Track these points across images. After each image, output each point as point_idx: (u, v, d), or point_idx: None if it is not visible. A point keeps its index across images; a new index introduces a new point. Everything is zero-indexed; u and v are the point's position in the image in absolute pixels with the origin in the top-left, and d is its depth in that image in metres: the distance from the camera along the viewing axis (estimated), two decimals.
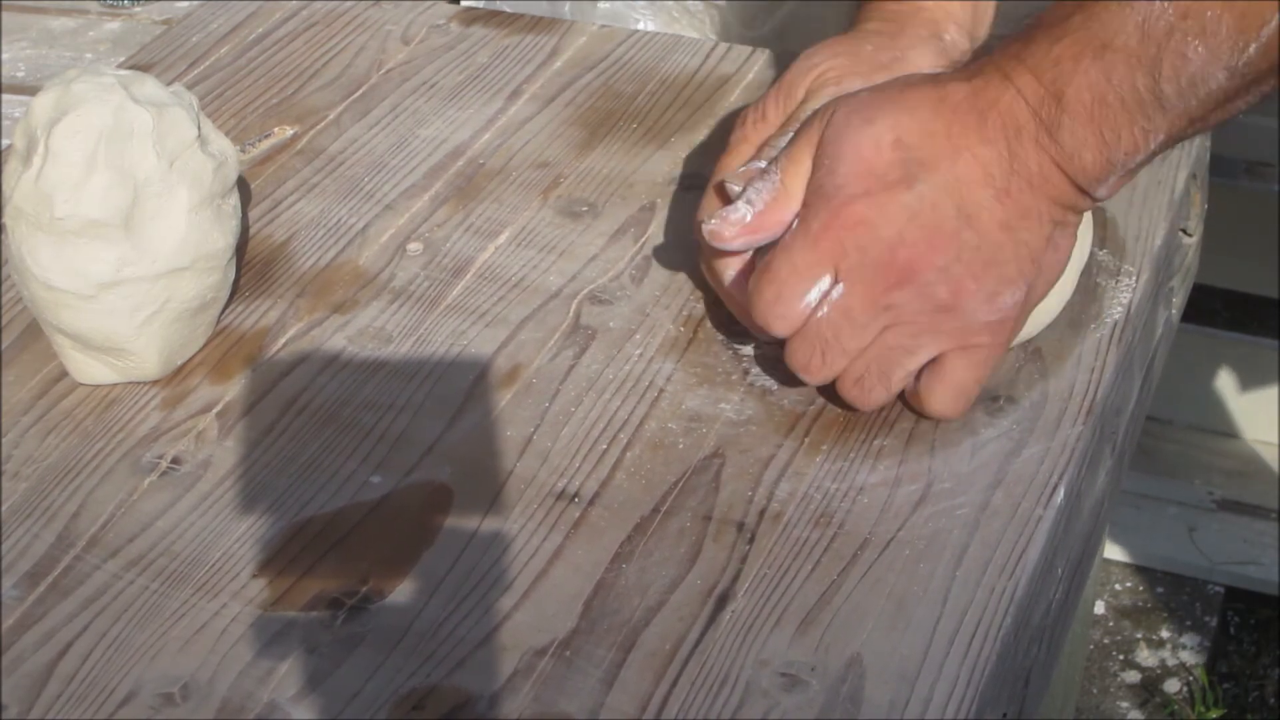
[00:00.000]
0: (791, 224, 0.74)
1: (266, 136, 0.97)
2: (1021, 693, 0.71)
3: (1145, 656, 1.82)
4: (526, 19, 1.08)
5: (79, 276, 0.76)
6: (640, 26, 1.21)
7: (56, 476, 0.74)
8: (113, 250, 0.76)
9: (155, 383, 0.80)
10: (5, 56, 1.40)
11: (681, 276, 0.86)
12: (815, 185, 0.74)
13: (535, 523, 0.72)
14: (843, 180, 0.72)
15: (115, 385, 0.80)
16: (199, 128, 0.78)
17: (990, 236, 0.72)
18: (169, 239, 0.77)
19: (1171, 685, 1.79)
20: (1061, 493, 0.73)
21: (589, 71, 1.03)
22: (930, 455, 0.75)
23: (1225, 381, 1.96)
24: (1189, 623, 1.85)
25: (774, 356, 0.80)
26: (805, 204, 0.74)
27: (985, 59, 0.73)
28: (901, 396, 0.77)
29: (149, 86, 0.78)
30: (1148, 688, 1.79)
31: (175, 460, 0.75)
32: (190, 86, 1.00)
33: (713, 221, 0.76)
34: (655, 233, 0.89)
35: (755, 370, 0.80)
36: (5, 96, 1.33)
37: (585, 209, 0.91)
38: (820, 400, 0.78)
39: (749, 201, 0.76)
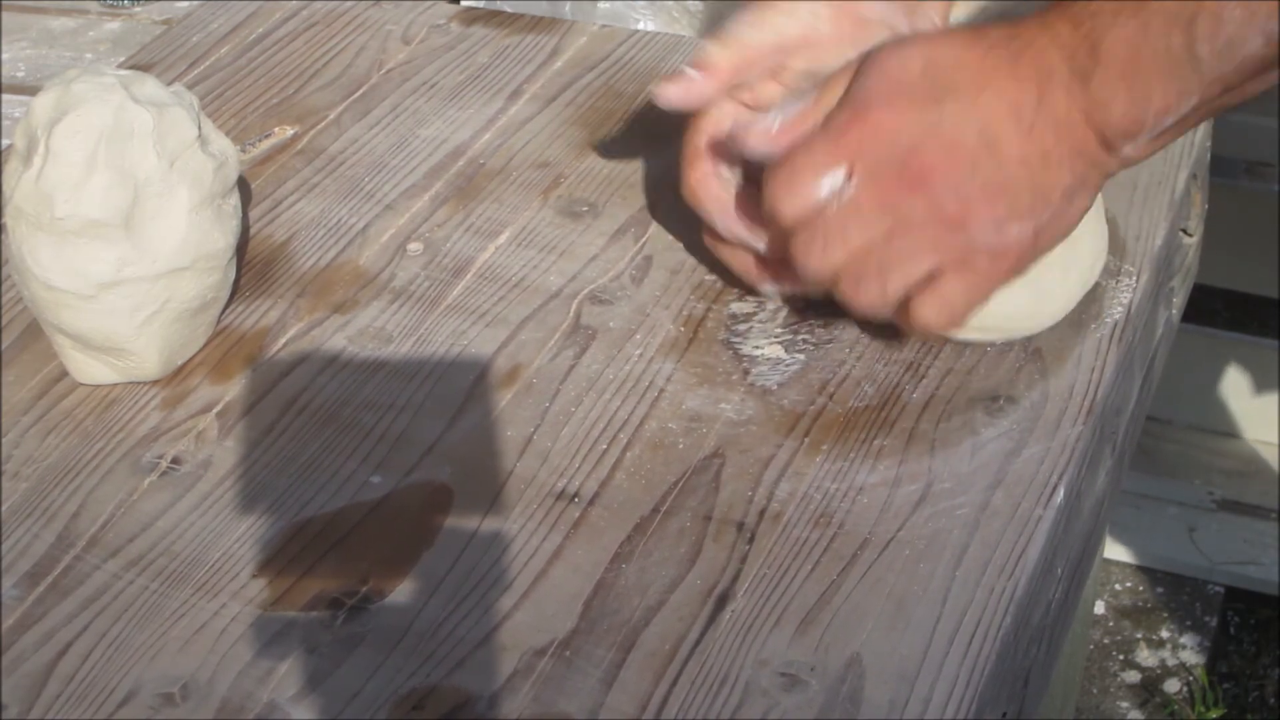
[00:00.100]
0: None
1: (267, 136, 0.97)
2: (1021, 693, 0.71)
3: (1145, 656, 1.82)
4: (527, 19, 1.08)
5: (79, 276, 0.76)
6: (640, 26, 1.21)
7: (56, 476, 0.74)
8: (113, 250, 0.76)
9: (155, 383, 0.80)
10: (5, 56, 1.40)
11: (681, 276, 0.86)
12: (844, 97, 0.75)
13: (535, 523, 0.72)
14: (870, 91, 0.74)
15: (115, 385, 0.80)
16: (199, 128, 0.78)
17: (1008, 167, 0.72)
18: (169, 239, 0.77)
19: (1171, 685, 1.79)
20: (1061, 493, 0.73)
21: (589, 71, 1.03)
22: (930, 455, 0.75)
23: (1225, 381, 1.95)
24: (1189, 623, 1.84)
25: (774, 357, 0.80)
26: (831, 112, 0.75)
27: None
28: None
29: (149, 86, 0.78)
30: (1148, 688, 1.79)
31: (175, 460, 0.75)
32: (190, 86, 1.00)
33: (742, 126, 0.78)
34: (655, 233, 0.89)
35: (755, 370, 0.80)
36: (5, 96, 1.33)
37: (585, 209, 0.91)
38: (820, 400, 0.78)
39: (780, 110, 0.77)
